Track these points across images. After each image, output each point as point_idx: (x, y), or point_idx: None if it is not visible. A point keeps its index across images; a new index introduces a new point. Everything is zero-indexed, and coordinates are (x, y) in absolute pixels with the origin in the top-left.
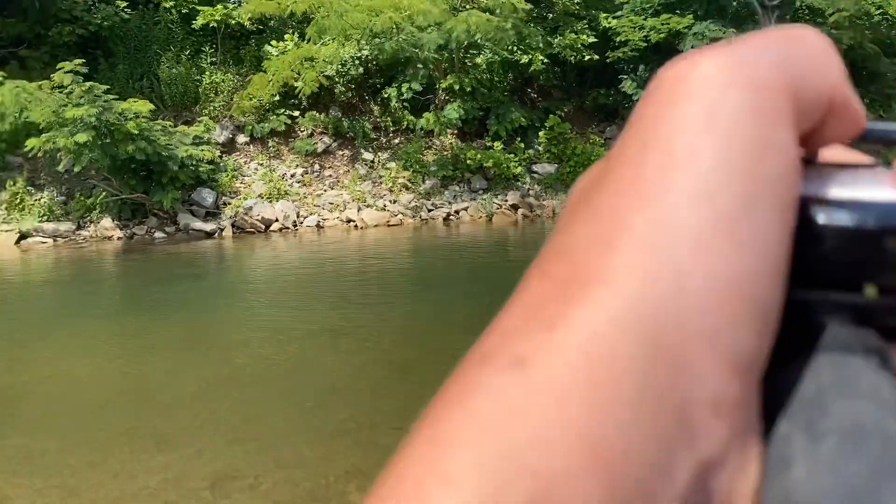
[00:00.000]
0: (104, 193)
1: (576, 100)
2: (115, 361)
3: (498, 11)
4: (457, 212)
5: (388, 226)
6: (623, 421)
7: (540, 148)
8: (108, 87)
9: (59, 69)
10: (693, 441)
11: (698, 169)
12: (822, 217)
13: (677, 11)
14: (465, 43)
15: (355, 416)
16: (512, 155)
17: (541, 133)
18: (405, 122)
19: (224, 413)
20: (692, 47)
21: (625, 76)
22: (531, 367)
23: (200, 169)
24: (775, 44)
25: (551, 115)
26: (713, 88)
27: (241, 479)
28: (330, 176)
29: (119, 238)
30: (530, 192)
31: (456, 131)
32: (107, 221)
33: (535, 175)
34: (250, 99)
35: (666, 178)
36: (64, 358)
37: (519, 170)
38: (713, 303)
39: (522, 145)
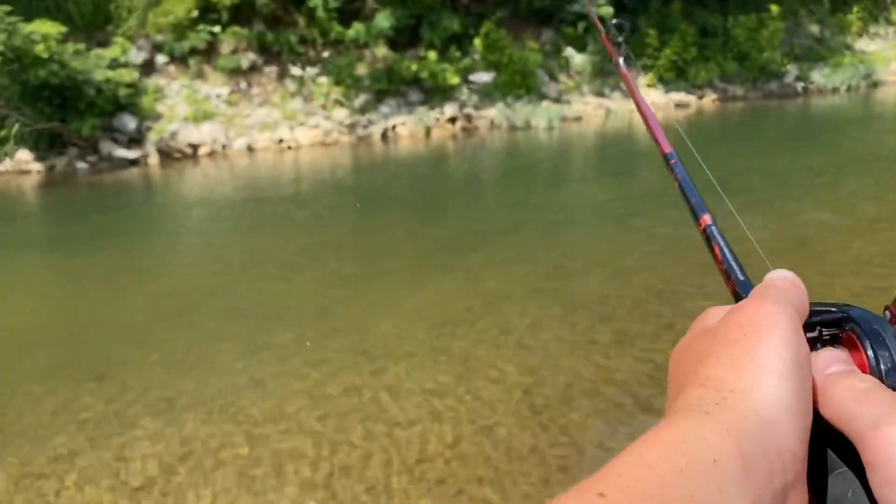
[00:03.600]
0: (17, 124)
1: (510, 4)
2: (43, 299)
3: None
4: (394, 127)
5: (324, 145)
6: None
7: (476, 56)
8: (11, 7)
9: None
10: (782, 475)
11: (768, 367)
12: None
13: None
14: None
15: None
16: (448, 64)
17: (476, 40)
18: (334, 34)
19: (162, 343)
20: None
21: None
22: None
23: (119, 93)
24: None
25: (486, 21)
26: (784, 338)
27: (182, 401)
28: (258, 94)
29: (39, 171)
30: (468, 102)
31: (388, 42)
32: (23, 154)
33: (472, 85)
34: (166, 15)
35: (745, 367)
36: None
37: (455, 80)
38: (792, 426)
39: (458, 54)
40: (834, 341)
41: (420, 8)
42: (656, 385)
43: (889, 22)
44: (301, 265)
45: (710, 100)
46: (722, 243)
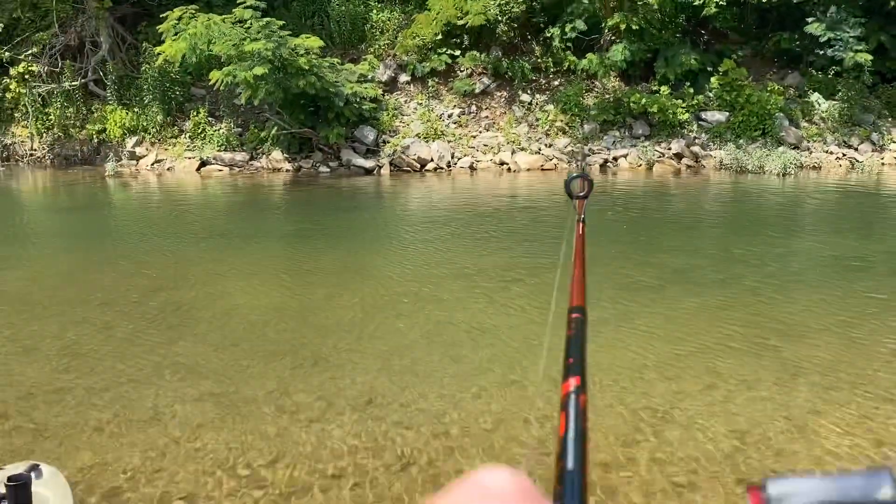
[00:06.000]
0: (276, 127)
1: (754, 43)
2: (277, 286)
3: None
4: (615, 158)
5: (542, 170)
6: None
7: (711, 94)
8: (283, 22)
9: (241, 3)
10: None
11: None
12: None
13: None
14: None
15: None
16: (679, 100)
17: (713, 78)
18: (567, 64)
19: (374, 340)
20: None
21: (812, 18)
22: None
23: (364, 107)
24: None
25: (726, 59)
26: None
27: (388, 398)
28: (486, 117)
29: (287, 170)
30: (696, 140)
31: (619, 74)
32: (277, 154)
33: (703, 123)
34: (414, 38)
35: None
36: (238, 277)
37: (686, 116)
38: None
39: (692, 90)
40: None
41: (658, 42)
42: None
43: None
44: (500, 287)
45: None
46: (572, 415)
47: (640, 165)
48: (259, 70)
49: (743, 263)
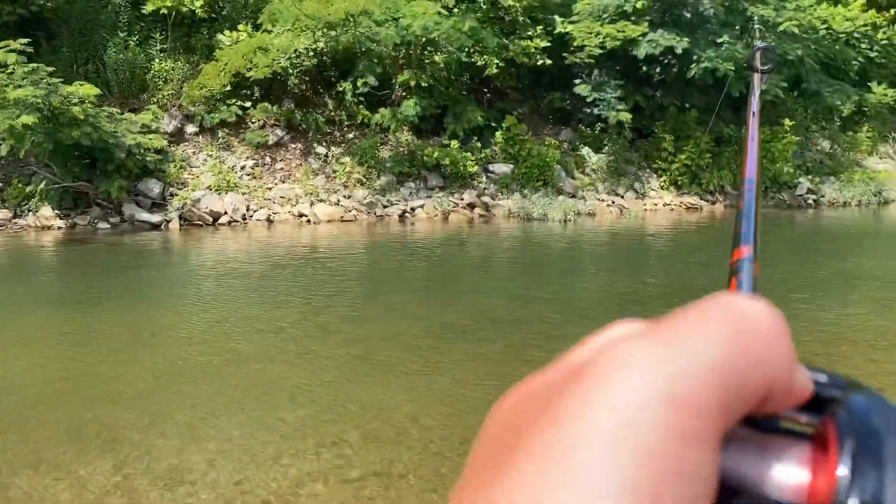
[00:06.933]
0: (44, 181)
1: (531, 102)
2: (55, 357)
3: (455, 9)
4: (412, 209)
5: (342, 221)
6: None
7: (496, 148)
8: (53, 69)
9: (3, 47)
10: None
11: (592, 490)
12: None
13: (633, 19)
14: (423, 39)
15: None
16: (468, 154)
17: (497, 133)
18: (360, 117)
19: (178, 409)
20: (647, 54)
21: (579, 80)
22: None
23: (148, 158)
24: (715, 341)
25: (508, 116)
26: (633, 402)
27: (192, 475)
28: (282, 169)
29: (60, 228)
30: (486, 191)
31: (412, 128)
32: (47, 210)
33: (491, 175)
34: (201, 88)
35: (556, 491)
36: (9, 349)
37: (475, 169)
38: None
39: (479, 145)
40: (794, 434)
41: (446, 99)
42: None
43: None
44: (314, 340)
45: (721, 205)
46: (745, 280)
47: (437, 215)
48: (28, 119)
49: (539, 301)
